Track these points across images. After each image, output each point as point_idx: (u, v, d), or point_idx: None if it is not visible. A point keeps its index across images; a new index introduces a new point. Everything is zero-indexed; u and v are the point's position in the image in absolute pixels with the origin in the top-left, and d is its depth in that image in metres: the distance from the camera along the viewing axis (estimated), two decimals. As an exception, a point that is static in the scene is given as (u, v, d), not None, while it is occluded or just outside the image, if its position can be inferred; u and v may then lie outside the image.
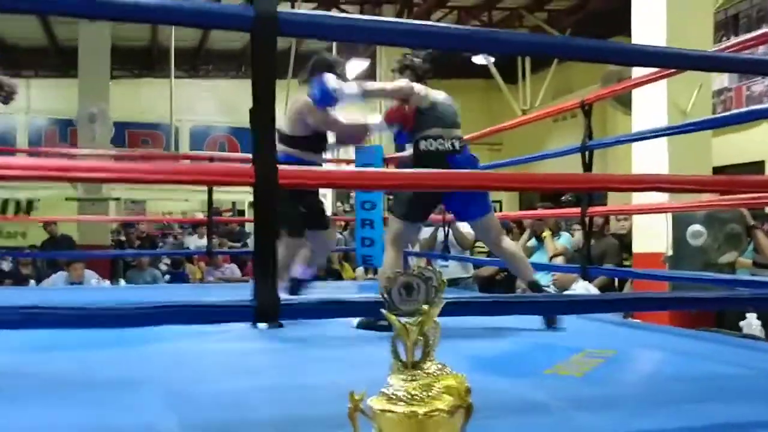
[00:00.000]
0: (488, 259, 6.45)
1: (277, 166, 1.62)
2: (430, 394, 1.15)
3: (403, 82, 3.42)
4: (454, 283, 6.05)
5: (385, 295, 1.16)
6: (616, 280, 5.42)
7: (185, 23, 1.82)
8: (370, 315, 3.11)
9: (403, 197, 3.44)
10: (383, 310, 1.17)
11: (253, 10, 1.61)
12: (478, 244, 7.11)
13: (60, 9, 1.76)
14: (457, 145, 3.33)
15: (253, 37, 1.63)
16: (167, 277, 8.49)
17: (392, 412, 1.12)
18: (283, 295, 1.62)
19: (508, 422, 1.75)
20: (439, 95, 3.48)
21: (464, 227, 6.21)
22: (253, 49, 1.64)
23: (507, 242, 3.51)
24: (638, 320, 4.46)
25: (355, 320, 3.31)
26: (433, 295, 1.20)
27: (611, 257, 5.42)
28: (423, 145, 3.32)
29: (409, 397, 1.13)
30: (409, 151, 3.57)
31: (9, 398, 1.94)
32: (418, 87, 3.41)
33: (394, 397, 1.13)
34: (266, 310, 1.62)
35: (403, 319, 1.18)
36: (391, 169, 2.47)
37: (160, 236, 11.81)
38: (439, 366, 1.27)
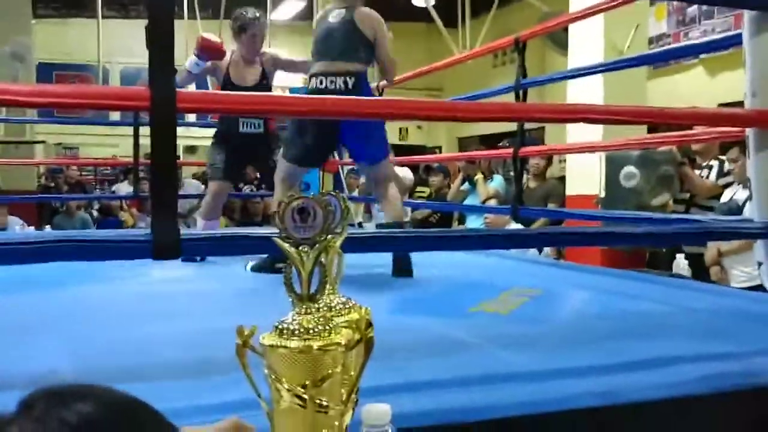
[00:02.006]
0: (423, 202, 6.42)
1: (175, 89, 1.49)
2: (327, 327, 1.06)
3: None
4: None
5: (277, 221, 1.06)
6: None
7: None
8: (265, 255, 3.06)
9: (290, 138, 3.31)
10: (275, 238, 1.06)
11: None
12: (417, 189, 7.08)
13: None
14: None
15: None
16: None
17: (284, 347, 1.02)
18: (183, 230, 1.51)
19: (427, 361, 1.69)
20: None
21: (401, 171, 6.15)
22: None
23: (393, 190, 3.35)
24: (569, 261, 4.48)
25: (249, 264, 3.24)
26: (334, 222, 1.10)
27: (555, 198, 5.41)
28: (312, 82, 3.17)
29: (303, 330, 1.03)
30: None
31: None
32: None
33: (286, 331, 1.04)
34: (164, 246, 1.50)
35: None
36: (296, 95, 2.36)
37: (93, 183, 11.45)
38: (343, 300, 1.18)
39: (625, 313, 2.39)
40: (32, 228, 7.08)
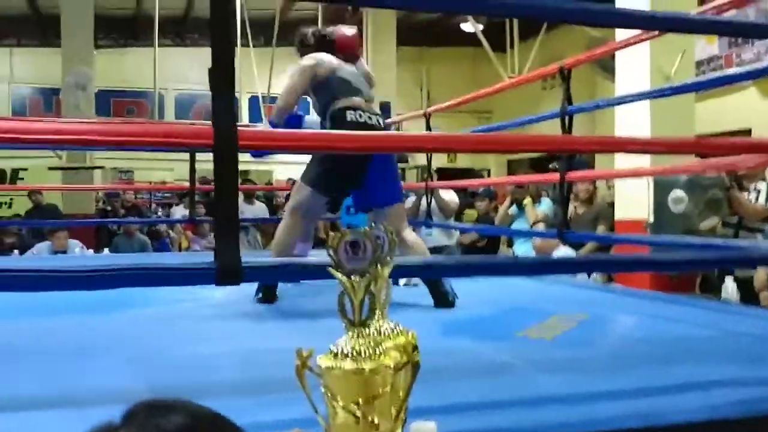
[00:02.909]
0: (471, 226, 6.48)
1: (237, 127, 1.60)
2: (377, 350, 1.15)
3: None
4: (437, 251, 6.07)
5: (331, 253, 1.16)
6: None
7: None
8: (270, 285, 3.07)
9: (319, 166, 3.20)
10: (330, 268, 1.16)
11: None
12: (465, 212, 7.13)
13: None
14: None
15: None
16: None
17: (338, 368, 1.12)
18: (245, 257, 1.61)
19: (473, 383, 1.76)
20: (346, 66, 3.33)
21: (446, 195, 6.22)
22: (211, 11, 1.61)
23: (410, 234, 3.31)
24: (619, 285, 4.49)
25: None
26: (382, 253, 1.20)
27: (604, 221, 5.42)
28: (350, 115, 3.14)
29: (356, 353, 1.13)
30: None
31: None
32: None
33: (340, 354, 1.13)
34: (228, 272, 1.61)
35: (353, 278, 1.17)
36: (363, 132, 2.43)
37: (148, 206, 11.77)
38: (392, 325, 1.27)
39: (670, 338, 2.42)
40: (91, 251, 7.35)
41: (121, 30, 13.50)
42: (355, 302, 1.16)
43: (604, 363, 2.02)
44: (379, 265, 1.21)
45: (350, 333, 1.18)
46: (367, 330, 1.20)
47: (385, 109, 9.67)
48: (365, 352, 1.13)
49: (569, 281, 4.11)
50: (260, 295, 3.12)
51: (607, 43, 4.45)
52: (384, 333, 1.24)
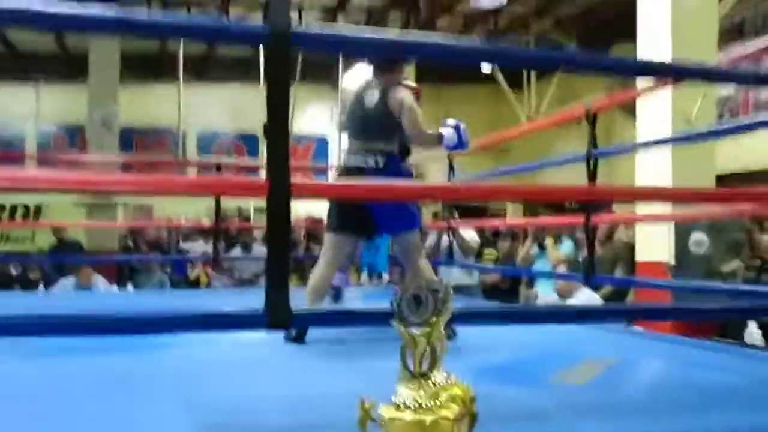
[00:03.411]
0: (492, 266, 6.51)
1: (290, 177, 1.67)
2: (436, 402, 1.20)
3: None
4: (458, 290, 6.10)
5: (395, 307, 1.22)
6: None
7: (202, 39, 1.88)
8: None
9: (329, 209, 3.37)
10: (393, 321, 1.22)
11: (269, 27, 1.67)
12: (485, 251, 7.15)
13: (84, 26, 1.82)
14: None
15: (268, 52, 1.68)
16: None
17: (401, 420, 1.17)
18: (294, 304, 1.67)
19: (514, 430, 1.80)
20: None
21: (466, 234, 6.27)
22: (267, 64, 1.69)
23: (422, 262, 3.39)
24: (640, 328, 4.50)
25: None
26: (441, 306, 1.26)
27: (623, 263, 5.45)
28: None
29: (417, 405, 1.18)
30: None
31: (19, 408, 1.98)
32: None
33: (402, 405, 1.18)
34: (278, 318, 1.67)
35: (412, 330, 1.23)
36: (402, 183, 2.49)
37: (168, 241, 11.85)
38: (446, 375, 1.32)
39: (702, 384, 2.45)
40: (114, 287, 7.43)
41: (145, 68, 13.74)
42: (416, 354, 1.22)
43: (640, 409, 2.05)
44: (436, 317, 1.27)
45: (409, 384, 1.24)
46: (424, 381, 1.25)
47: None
48: (426, 405, 1.19)
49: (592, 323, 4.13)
50: (293, 335, 3.17)
51: (630, 87, 4.54)
52: (439, 383, 1.29)
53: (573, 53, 2.46)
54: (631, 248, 5.88)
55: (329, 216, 3.40)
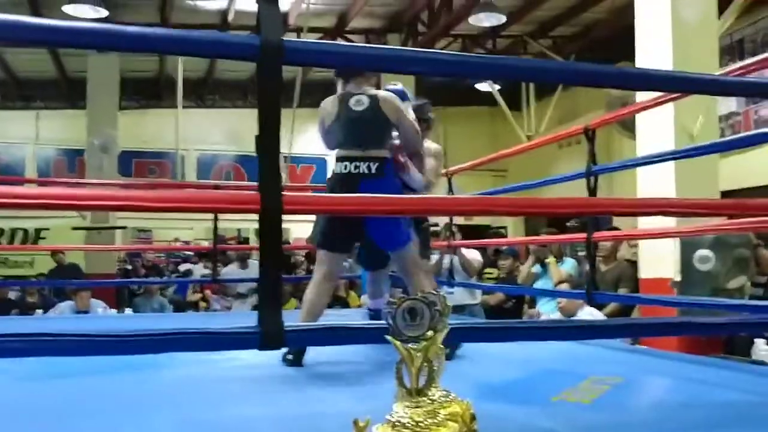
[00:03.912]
0: (495, 285, 6.44)
1: (282, 193, 1.62)
2: (435, 421, 1.15)
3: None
4: (460, 309, 6.03)
5: (390, 321, 1.16)
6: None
7: (194, 53, 1.85)
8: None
9: (320, 226, 3.32)
10: (387, 336, 1.16)
11: (259, 39, 1.63)
12: (486, 270, 7.09)
13: (70, 41, 1.79)
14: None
15: (259, 65, 1.65)
16: (172, 306, 8.48)
17: (397, 439, 1.11)
18: (287, 322, 1.62)
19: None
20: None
21: (469, 253, 6.21)
22: (258, 78, 1.65)
23: (422, 276, 3.35)
24: (646, 346, 4.43)
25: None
26: (438, 320, 1.20)
27: (626, 282, 5.38)
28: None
29: (414, 424, 1.12)
30: None
31: (14, 430, 1.93)
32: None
33: (398, 424, 1.13)
34: (271, 337, 1.62)
35: (408, 345, 1.17)
36: (399, 196, 2.42)
37: (167, 265, 11.83)
38: (444, 392, 1.26)
39: (708, 402, 2.39)
40: (114, 311, 7.37)
41: (143, 92, 13.78)
42: (413, 370, 1.16)
43: (647, 428, 1.99)
44: (433, 332, 1.21)
45: (406, 402, 1.18)
46: (421, 398, 1.19)
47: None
48: (423, 423, 1.13)
49: (596, 341, 4.07)
50: (290, 357, 3.10)
51: (630, 103, 4.51)
52: (437, 401, 1.24)
53: (576, 65, 2.46)
54: (634, 266, 5.82)
55: (319, 233, 3.32)
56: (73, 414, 2.12)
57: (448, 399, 1.25)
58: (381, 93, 3.32)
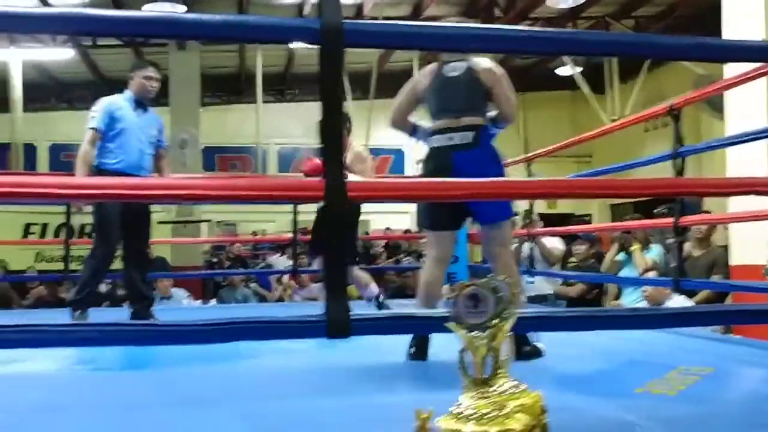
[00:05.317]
0: (577, 273, 6.24)
1: (345, 180, 1.59)
2: (502, 412, 1.08)
3: None
4: (541, 299, 5.89)
5: (451, 307, 1.11)
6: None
7: (255, 39, 1.83)
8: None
9: (422, 205, 3.22)
10: (448, 323, 1.11)
11: (319, 22, 1.60)
12: (569, 259, 6.84)
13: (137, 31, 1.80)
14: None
15: (320, 47, 1.61)
16: (256, 298, 8.63)
17: (461, 431, 1.06)
18: (354, 311, 1.58)
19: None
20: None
21: (550, 242, 6.05)
22: (321, 61, 1.62)
23: (509, 257, 3.18)
24: (739, 336, 4.22)
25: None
26: (503, 307, 1.14)
27: (720, 269, 5.13)
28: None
29: (480, 415, 1.07)
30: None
31: (84, 420, 1.97)
32: None
33: (463, 415, 1.07)
34: (337, 325, 1.58)
35: (472, 333, 1.12)
36: (468, 180, 2.32)
37: (251, 257, 12.05)
38: (514, 383, 1.20)
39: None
40: (198, 302, 7.56)
41: (224, 88, 14.05)
42: (477, 360, 1.11)
43: (736, 422, 1.87)
44: (500, 320, 1.15)
45: (471, 392, 1.12)
46: (489, 389, 1.13)
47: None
48: (489, 415, 1.07)
49: (685, 331, 3.89)
50: (413, 349, 2.96)
51: (718, 81, 4.28)
52: (506, 392, 1.17)
53: (663, 38, 2.33)
54: (725, 251, 5.55)
55: (419, 214, 3.26)
56: (135, 407, 2.14)
57: (517, 390, 1.18)
58: (478, 59, 3.15)
